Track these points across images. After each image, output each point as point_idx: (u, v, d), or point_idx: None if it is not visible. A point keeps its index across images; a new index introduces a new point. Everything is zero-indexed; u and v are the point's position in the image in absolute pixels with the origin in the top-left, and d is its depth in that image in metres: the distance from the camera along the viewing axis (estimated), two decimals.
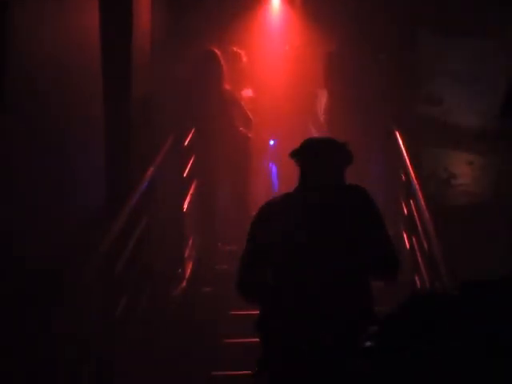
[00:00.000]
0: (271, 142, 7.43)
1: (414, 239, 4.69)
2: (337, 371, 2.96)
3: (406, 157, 5.22)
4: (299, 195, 3.24)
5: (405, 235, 5.04)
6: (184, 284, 5.79)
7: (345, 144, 3.28)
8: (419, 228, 4.44)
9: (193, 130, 6.33)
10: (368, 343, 2.26)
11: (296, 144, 3.34)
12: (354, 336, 2.89)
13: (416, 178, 4.81)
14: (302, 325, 3.03)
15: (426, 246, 4.16)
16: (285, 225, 3.15)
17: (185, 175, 6.10)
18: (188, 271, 6.00)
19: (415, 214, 4.64)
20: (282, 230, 3.14)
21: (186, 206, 6.05)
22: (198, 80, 6.30)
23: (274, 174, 7.43)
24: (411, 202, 4.84)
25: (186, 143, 6.19)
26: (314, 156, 3.27)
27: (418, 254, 4.48)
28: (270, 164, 7.48)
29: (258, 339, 4.35)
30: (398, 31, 7.20)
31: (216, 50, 6.38)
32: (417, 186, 4.67)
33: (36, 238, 3.42)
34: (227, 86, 6.39)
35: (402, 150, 5.41)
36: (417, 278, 4.53)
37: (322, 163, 3.25)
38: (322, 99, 7.02)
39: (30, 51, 3.41)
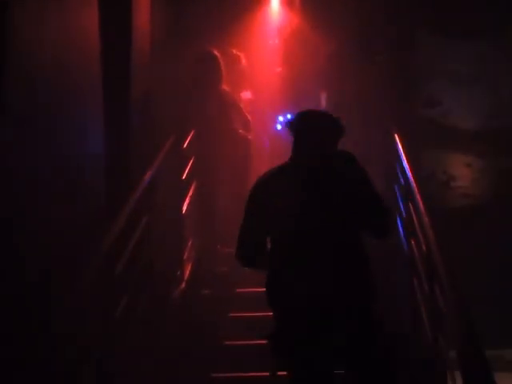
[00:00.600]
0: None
1: (412, 242, 4.69)
2: (339, 326, 3.20)
3: (405, 158, 5.22)
4: (292, 165, 3.43)
5: (403, 237, 5.04)
6: (183, 286, 5.79)
7: (338, 118, 3.44)
8: (418, 230, 4.45)
9: (192, 132, 6.34)
10: None
11: None
12: (352, 292, 3.23)
13: (415, 180, 4.80)
14: (305, 285, 3.22)
15: (424, 248, 4.16)
16: (280, 194, 3.34)
17: (184, 177, 6.10)
18: (187, 273, 6.00)
19: (414, 216, 4.64)
20: (277, 199, 3.33)
21: (185, 208, 6.06)
22: (197, 81, 6.31)
23: None
24: (410, 204, 4.84)
25: (185, 145, 6.20)
26: (307, 127, 3.45)
27: (417, 257, 4.48)
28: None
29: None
30: (397, 32, 7.21)
31: (215, 52, 6.39)
32: (415, 189, 4.67)
33: (35, 238, 3.42)
34: (226, 88, 6.40)
35: (400, 152, 5.41)
36: (415, 280, 4.53)
37: (313, 134, 3.44)
38: (322, 101, 7.03)
39: (30, 51, 3.41)
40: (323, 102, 7.05)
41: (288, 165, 3.45)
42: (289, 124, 3.52)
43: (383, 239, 3.46)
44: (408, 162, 5.10)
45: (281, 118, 7.29)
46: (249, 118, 6.55)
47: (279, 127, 7.31)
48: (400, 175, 5.25)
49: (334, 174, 3.36)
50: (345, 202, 3.30)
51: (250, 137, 6.51)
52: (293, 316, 3.28)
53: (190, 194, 6.28)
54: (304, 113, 3.55)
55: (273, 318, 3.37)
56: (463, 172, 7.35)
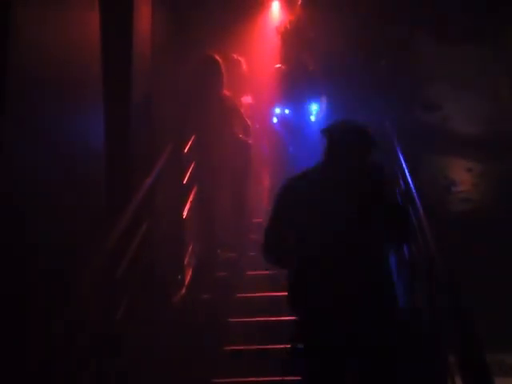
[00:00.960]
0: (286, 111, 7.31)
1: (413, 246, 4.68)
2: (364, 340, 3.33)
3: (405, 164, 5.22)
4: (320, 171, 3.57)
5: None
6: (183, 291, 5.78)
7: (370, 132, 3.61)
8: (418, 235, 4.44)
9: (193, 137, 6.34)
10: None
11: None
12: (377, 306, 3.35)
13: (415, 185, 4.80)
14: (328, 296, 3.33)
15: (424, 252, 4.15)
16: (308, 198, 3.47)
17: (185, 182, 6.10)
18: (188, 278, 5.99)
19: (414, 220, 4.64)
20: (305, 202, 3.46)
21: (185, 213, 6.06)
22: (198, 85, 6.31)
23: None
24: (410, 208, 4.83)
25: (186, 149, 6.20)
26: (340, 138, 3.58)
27: (418, 261, 4.47)
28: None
29: (257, 346, 4.46)
30: (398, 37, 7.22)
31: (217, 56, 6.39)
32: (415, 193, 4.67)
33: (37, 240, 3.42)
34: (227, 93, 6.40)
35: (400, 157, 5.40)
36: (416, 285, 4.52)
37: (347, 148, 3.56)
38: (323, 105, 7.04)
39: (32, 51, 3.41)
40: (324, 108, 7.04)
41: (316, 170, 3.60)
42: (324, 131, 3.65)
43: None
44: (408, 166, 5.09)
45: (277, 110, 7.22)
46: (249, 122, 6.55)
47: (275, 120, 7.25)
48: (400, 180, 5.24)
49: (359, 187, 3.49)
50: (366, 214, 3.41)
51: (250, 141, 6.51)
52: (317, 316, 3.38)
53: (191, 198, 6.28)
54: (341, 123, 3.69)
55: (296, 316, 3.48)
56: (464, 177, 7.35)
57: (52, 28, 3.70)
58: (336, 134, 3.62)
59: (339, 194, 3.45)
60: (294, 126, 7.07)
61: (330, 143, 3.60)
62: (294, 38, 6.72)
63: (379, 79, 6.63)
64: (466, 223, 6.94)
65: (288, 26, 6.80)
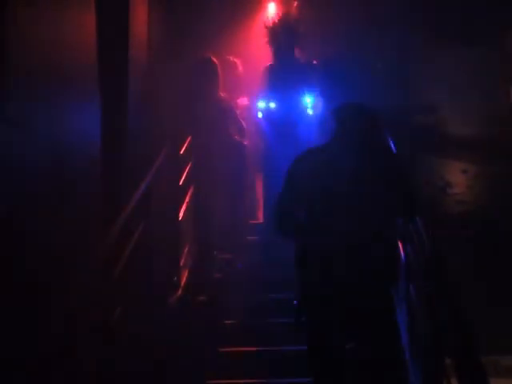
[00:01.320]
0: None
1: (408, 248, 4.69)
2: (366, 302, 3.50)
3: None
4: (331, 147, 3.71)
5: (400, 244, 5.03)
6: (179, 292, 5.78)
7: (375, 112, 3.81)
8: (414, 236, 4.45)
9: (189, 138, 6.35)
10: None
11: None
12: (380, 273, 3.54)
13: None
14: (337, 262, 3.49)
15: (420, 254, 4.16)
16: (317, 172, 3.61)
17: (181, 183, 6.10)
18: (184, 279, 5.99)
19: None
20: (318, 178, 3.59)
21: (182, 214, 6.06)
22: (195, 86, 6.32)
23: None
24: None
25: (182, 150, 6.20)
26: (349, 117, 3.73)
27: (413, 263, 4.48)
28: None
29: (251, 347, 4.48)
30: (395, 41, 7.23)
31: (214, 58, 6.40)
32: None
33: (33, 241, 3.41)
34: (222, 94, 6.41)
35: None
36: (412, 287, 4.53)
37: (354, 123, 3.70)
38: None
39: (28, 51, 3.41)
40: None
41: (328, 147, 3.73)
42: (333, 112, 3.79)
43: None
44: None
45: (261, 105, 6.80)
46: (244, 124, 6.56)
47: (260, 115, 6.88)
48: None
49: (369, 162, 3.63)
50: (378, 189, 3.57)
51: (246, 143, 6.52)
52: (322, 286, 3.53)
53: (187, 200, 6.28)
54: (348, 104, 3.83)
55: (300, 285, 3.63)
56: (459, 178, 7.36)
57: (48, 28, 3.69)
58: (344, 112, 3.77)
59: (350, 167, 3.58)
60: (283, 122, 6.59)
61: (338, 122, 3.74)
62: (283, 34, 6.49)
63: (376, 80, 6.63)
64: (461, 224, 6.96)
65: (276, 22, 6.58)
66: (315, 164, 3.66)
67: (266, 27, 6.55)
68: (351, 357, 3.64)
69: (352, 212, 3.52)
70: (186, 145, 6.30)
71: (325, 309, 3.54)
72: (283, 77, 6.47)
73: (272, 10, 7.93)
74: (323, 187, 3.58)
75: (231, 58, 7.12)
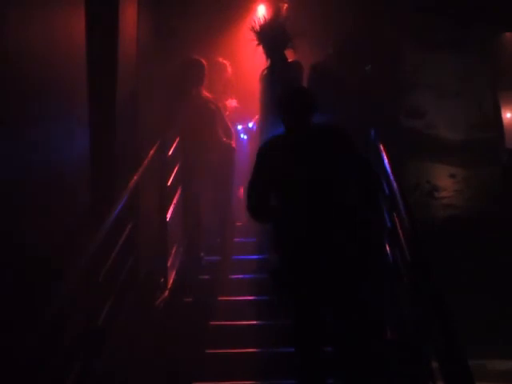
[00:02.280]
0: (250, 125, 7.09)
1: (397, 252, 4.69)
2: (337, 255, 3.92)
3: (389, 169, 5.23)
4: (286, 136, 4.15)
5: (388, 247, 5.04)
6: (166, 293, 5.77)
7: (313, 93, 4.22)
8: (402, 240, 4.45)
9: (177, 139, 6.34)
10: None
11: None
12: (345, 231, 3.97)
13: (400, 190, 4.82)
14: (307, 227, 3.92)
15: (408, 258, 4.17)
16: (282, 158, 4.05)
17: (169, 184, 6.09)
18: (171, 281, 5.98)
19: (398, 226, 4.65)
20: (277, 161, 4.06)
21: (169, 215, 6.05)
22: (182, 87, 6.31)
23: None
24: (394, 214, 4.85)
25: (170, 151, 6.19)
26: (292, 103, 4.13)
27: (401, 267, 4.48)
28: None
29: (239, 349, 4.50)
30: (384, 44, 7.24)
31: (201, 59, 6.40)
32: (400, 199, 4.68)
33: (23, 241, 3.40)
34: (209, 95, 6.40)
35: (385, 162, 5.41)
36: (400, 292, 4.54)
37: (294, 113, 4.10)
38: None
39: (16, 51, 3.40)
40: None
41: (285, 137, 4.16)
42: (279, 103, 4.17)
43: (372, 207, 4.29)
44: (393, 172, 5.10)
45: (239, 127, 6.99)
46: (230, 126, 6.55)
47: (244, 136, 6.98)
48: (385, 185, 5.25)
49: (319, 140, 4.07)
50: (330, 165, 4.01)
51: (233, 144, 6.52)
52: (296, 255, 3.95)
53: (175, 201, 6.27)
54: (289, 91, 4.24)
55: (278, 257, 4.04)
56: (447, 182, 7.39)
57: (37, 28, 3.68)
58: (287, 100, 4.16)
59: (301, 152, 4.03)
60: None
61: (284, 109, 4.14)
62: (270, 37, 6.20)
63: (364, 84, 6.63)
64: (449, 228, 6.98)
65: (263, 25, 6.29)
66: (274, 152, 4.11)
67: (254, 31, 6.30)
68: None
69: (312, 187, 3.96)
70: (173, 146, 6.29)
71: (303, 264, 3.95)
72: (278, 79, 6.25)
73: (262, 12, 7.94)
74: (282, 171, 4.02)
75: (221, 60, 7.11)
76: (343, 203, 4.02)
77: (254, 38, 6.23)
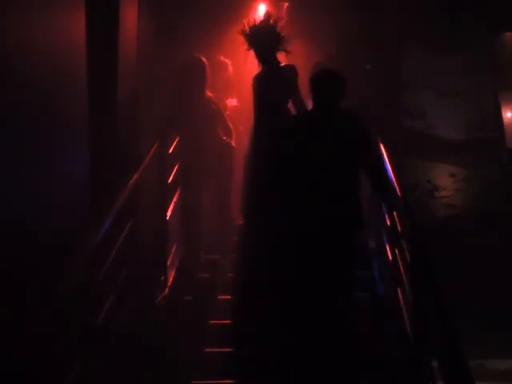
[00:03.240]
0: None
1: (396, 251, 4.70)
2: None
3: (390, 168, 5.24)
4: (309, 114, 4.60)
5: (387, 247, 5.05)
6: (166, 292, 5.77)
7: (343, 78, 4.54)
8: (402, 240, 4.46)
9: (177, 138, 6.33)
10: None
11: None
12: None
13: (400, 189, 4.82)
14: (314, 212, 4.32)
15: (408, 257, 4.17)
16: (303, 137, 4.46)
17: (169, 182, 6.09)
18: (170, 279, 5.98)
19: (398, 225, 4.66)
20: (302, 140, 4.45)
21: (169, 214, 6.04)
22: (183, 86, 6.30)
23: None
24: (394, 213, 4.86)
25: (170, 150, 6.19)
26: (318, 88, 4.51)
27: (401, 266, 4.49)
28: None
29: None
30: (384, 45, 7.25)
31: (202, 58, 6.39)
32: (401, 198, 4.69)
33: (23, 239, 3.40)
34: (210, 94, 6.39)
35: (386, 162, 5.42)
36: (399, 291, 4.54)
37: (323, 94, 4.46)
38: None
39: (18, 52, 3.40)
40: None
41: (307, 114, 4.61)
42: (310, 79, 4.57)
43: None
44: (393, 171, 5.11)
45: None
46: (230, 126, 6.54)
47: None
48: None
49: (339, 123, 4.43)
50: (346, 150, 4.36)
51: (233, 144, 6.51)
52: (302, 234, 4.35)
53: (175, 199, 6.27)
54: (318, 74, 4.61)
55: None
56: (447, 182, 7.39)
57: (38, 28, 3.68)
58: (316, 81, 4.50)
59: (321, 133, 4.37)
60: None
61: (312, 90, 4.51)
62: (260, 40, 5.74)
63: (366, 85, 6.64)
64: (449, 227, 6.99)
65: (253, 27, 5.81)
66: (295, 132, 4.49)
67: (243, 34, 5.82)
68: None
69: (325, 172, 4.31)
70: (174, 144, 6.29)
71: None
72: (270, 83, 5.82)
73: (262, 12, 7.94)
74: (300, 150, 4.38)
75: (222, 59, 7.11)
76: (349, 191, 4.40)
77: (244, 42, 5.83)
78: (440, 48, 7.50)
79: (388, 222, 5.05)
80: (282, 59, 5.81)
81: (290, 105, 5.79)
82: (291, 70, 5.68)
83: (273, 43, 5.76)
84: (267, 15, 6.03)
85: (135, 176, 5.05)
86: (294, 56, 5.71)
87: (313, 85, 4.54)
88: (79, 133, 4.46)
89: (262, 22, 5.91)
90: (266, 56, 5.74)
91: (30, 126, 3.56)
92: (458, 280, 6.10)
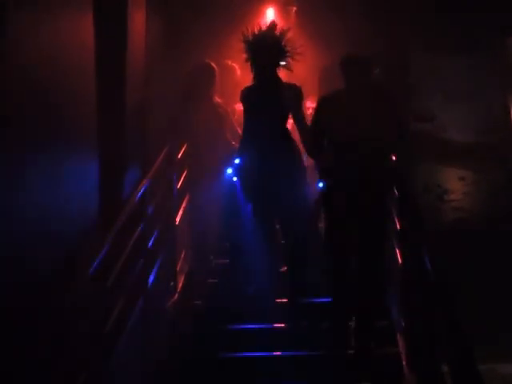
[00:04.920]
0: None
1: (407, 255, 4.69)
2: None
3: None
4: (347, 89, 5.06)
5: (397, 250, 5.04)
6: (176, 297, 5.78)
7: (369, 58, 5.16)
8: (411, 243, 4.45)
9: (186, 143, 6.35)
10: None
11: None
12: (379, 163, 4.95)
13: (409, 193, 4.82)
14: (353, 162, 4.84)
15: (417, 261, 4.16)
16: (337, 107, 5.01)
17: (178, 187, 6.10)
18: (180, 284, 5.99)
19: (408, 229, 4.65)
20: (335, 110, 5.00)
21: (178, 219, 6.05)
22: (192, 92, 6.31)
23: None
24: (404, 216, 4.85)
25: (179, 156, 6.20)
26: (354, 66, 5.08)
27: (410, 270, 4.48)
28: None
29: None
30: (392, 48, 7.24)
31: (212, 63, 6.40)
32: (410, 202, 4.68)
33: (33, 247, 3.41)
34: (219, 99, 6.41)
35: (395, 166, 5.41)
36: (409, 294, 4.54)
37: (358, 69, 5.09)
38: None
39: (26, 54, 3.41)
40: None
41: (345, 89, 5.03)
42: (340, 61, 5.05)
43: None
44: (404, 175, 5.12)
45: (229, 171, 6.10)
46: (239, 130, 6.55)
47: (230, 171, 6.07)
48: (395, 188, 5.25)
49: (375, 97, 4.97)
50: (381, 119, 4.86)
51: None
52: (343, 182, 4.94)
53: (184, 204, 6.28)
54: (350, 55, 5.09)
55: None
56: (456, 185, 7.37)
57: (45, 33, 3.69)
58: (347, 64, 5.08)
59: (358, 105, 4.90)
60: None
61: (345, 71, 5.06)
62: (263, 49, 5.32)
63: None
64: (458, 231, 6.97)
65: (256, 33, 5.39)
66: (334, 103, 5.01)
67: (245, 41, 5.41)
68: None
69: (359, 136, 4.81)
70: (183, 149, 6.30)
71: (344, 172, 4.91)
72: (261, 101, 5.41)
73: (271, 16, 7.95)
74: (338, 120, 4.92)
75: (230, 63, 7.12)
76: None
77: (244, 50, 5.44)
78: (450, 50, 7.48)
79: (398, 227, 5.06)
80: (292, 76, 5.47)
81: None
82: (292, 89, 5.30)
83: (276, 56, 5.34)
84: (272, 24, 5.62)
85: (144, 181, 5.06)
86: (302, 59, 5.65)
87: (345, 65, 5.05)
88: (87, 137, 4.47)
89: (266, 30, 5.46)
90: (263, 69, 5.33)
91: (36, 130, 3.57)
92: (468, 282, 6.07)
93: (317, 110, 5.09)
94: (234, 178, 5.88)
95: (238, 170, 5.61)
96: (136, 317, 4.54)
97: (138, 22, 5.68)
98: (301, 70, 6.03)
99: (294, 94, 5.33)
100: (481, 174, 7.36)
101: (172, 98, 6.50)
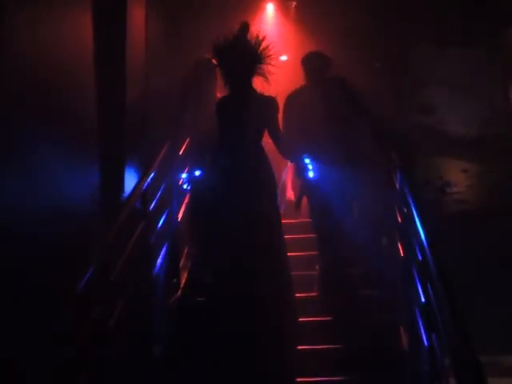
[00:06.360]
0: None
1: (408, 249, 4.68)
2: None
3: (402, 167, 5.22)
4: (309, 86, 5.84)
5: (399, 244, 5.03)
6: (178, 293, 5.78)
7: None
8: (413, 237, 4.44)
9: (187, 140, 6.34)
10: None
11: None
12: None
13: (410, 187, 4.81)
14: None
15: (419, 255, 4.16)
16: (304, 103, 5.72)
17: (180, 183, 6.09)
18: (183, 281, 5.98)
19: (409, 222, 4.64)
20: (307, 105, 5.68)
21: (180, 215, 6.05)
22: (193, 88, 6.31)
23: None
24: (405, 210, 4.84)
25: (181, 152, 6.20)
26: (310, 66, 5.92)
27: (412, 264, 4.47)
28: None
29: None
30: (393, 42, 7.23)
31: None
32: (411, 196, 4.67)
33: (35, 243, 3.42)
34: (219, 95, 6.40)
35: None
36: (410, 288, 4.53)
37: (313, 71, 5.88)
38: None
39: (25, 53, 3.42)
40: None
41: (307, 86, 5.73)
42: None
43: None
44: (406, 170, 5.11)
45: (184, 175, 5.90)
46: None
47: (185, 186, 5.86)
48: (396, 182, 5.25)
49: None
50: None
51: None
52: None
53: (186, 201, 6.28)
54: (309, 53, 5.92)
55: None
56: (459, 178, 7.37)
57: (45, 31, 3.70)
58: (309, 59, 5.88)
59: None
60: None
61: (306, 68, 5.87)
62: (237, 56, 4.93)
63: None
64: (460, 223, 6.96)
65: (231, 40, 4.97)
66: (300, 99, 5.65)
67: (216, 48, 5.02)
68: None
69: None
70: (185, 145, 6.30)
71: None
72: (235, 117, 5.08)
73: (271, 12, 7.94)
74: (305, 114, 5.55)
75: None
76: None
77: (214, 58, 5.13)
78: (452, 43, 7.47)
79: (399, 220, 5.04)
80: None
81: None
82: (268, 102, 4.94)
83: (250, 66, 4.92)
84: (244, 25, 5.07)
85: (145, 177, 5.06)
86: (301, 54, 5.67)
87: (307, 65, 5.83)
88: (87, 135, 4.48)
89: (240, 35, 5.00)
90: (238, 80, 4.96)
91: (35, 129, 3.58)
92: (471, 276, 6.07)
93: (284, 108, 5.59)
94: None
95: (196, 183, 5.51)
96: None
97: (137, 19, 5.68)
98: (300, 67, 6.04)
99: (270, 108, 4.99)
100: (483, 166, 7.36)
101: (173, 94, 6.50)
